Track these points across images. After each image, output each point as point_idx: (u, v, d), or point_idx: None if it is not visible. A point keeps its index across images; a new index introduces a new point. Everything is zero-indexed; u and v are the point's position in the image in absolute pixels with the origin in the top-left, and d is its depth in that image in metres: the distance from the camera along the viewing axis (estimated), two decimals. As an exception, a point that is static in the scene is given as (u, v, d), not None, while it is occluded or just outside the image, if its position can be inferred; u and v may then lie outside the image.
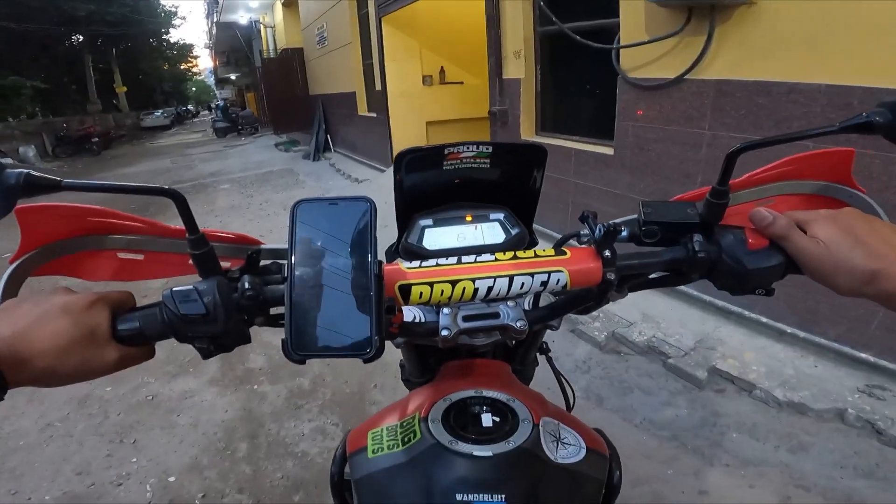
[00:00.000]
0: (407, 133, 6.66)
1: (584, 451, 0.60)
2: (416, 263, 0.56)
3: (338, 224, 0.48)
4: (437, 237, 0.76)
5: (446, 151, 0.71)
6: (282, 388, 2.37)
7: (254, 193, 6.95)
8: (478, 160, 0.73)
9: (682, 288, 2.61)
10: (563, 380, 1.01)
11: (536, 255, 0.56)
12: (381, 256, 0.50)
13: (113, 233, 0.59)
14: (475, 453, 0.54)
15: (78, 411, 2.27)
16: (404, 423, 0.62)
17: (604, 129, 3.04)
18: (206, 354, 0.51)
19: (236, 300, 0.50)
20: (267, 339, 2.87)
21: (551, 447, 0.58)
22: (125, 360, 0.48)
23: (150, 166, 8.76)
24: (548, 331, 0.83)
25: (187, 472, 1.87)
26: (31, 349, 0.42)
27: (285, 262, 0.52)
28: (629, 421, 1.94)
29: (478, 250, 0.66)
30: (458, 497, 0.52)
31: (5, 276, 0.51)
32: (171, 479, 1.83)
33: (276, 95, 11.30)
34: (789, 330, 2.23)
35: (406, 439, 0.59)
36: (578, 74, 3.38)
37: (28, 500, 1.76)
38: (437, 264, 0.56)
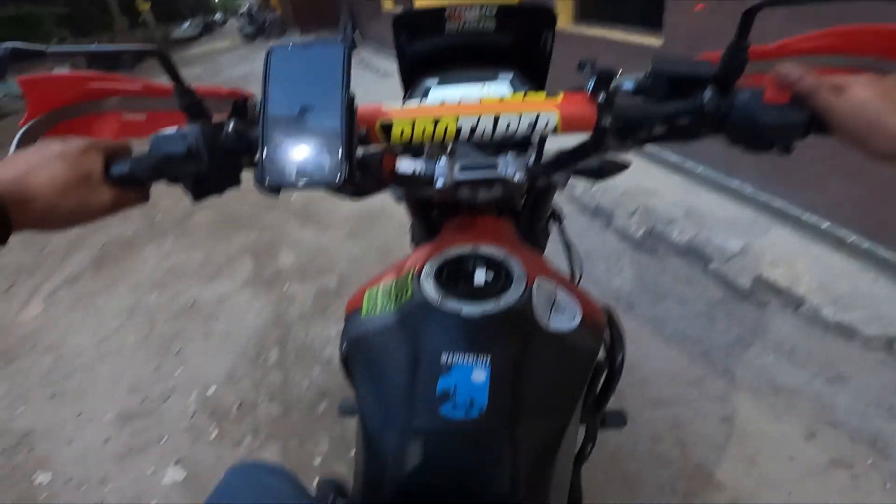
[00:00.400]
0: None
1: (578, 320, 0.58)
2: (398, 105, 0.56)
3: (312, 67, 0.49)
4: (440, 95, 0.72)
5: (447, 13, 0.70)
6: (310, 288, 2.42)
7: None
8: (482, 22, 0.72)
9: (735, 185, 2.34)
10: (571, 250, 0.97)
11: (526, 97, 0.55)
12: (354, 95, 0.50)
13: (111, 96, 0.63)
14: (463, 312, 0.53)
15: (128, 322, 2.39)
16: (399, 281, 0.61)
17: (652, 18, 2.55)
18: (196, 195, 0.54)
19: (221, 142, 0.52)
20: (296, 237, 2.92)
21: (543, 311, 0.56)
22: (120, 201, 0.52)
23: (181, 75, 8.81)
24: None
25: (224, 383, 1.97)
26: (32, 191, 0.45)
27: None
28: (659, 332, 1.86)
29: None
30: (444, 357, 0.51)
31: (16, 138, 0.57)
32: (211, 391, 1.93)
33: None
34: (851, 238, 2.01)
35: (398, 297, 0.58)
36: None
37: (90, 420, 1.89)
38: (421, 105, 0.55)
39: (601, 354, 0.62)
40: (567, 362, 0.55)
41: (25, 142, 0.57)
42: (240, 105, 0.56)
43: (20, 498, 1.62)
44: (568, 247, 0.97)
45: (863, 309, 1.78)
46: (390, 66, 7.15)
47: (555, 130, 0.54)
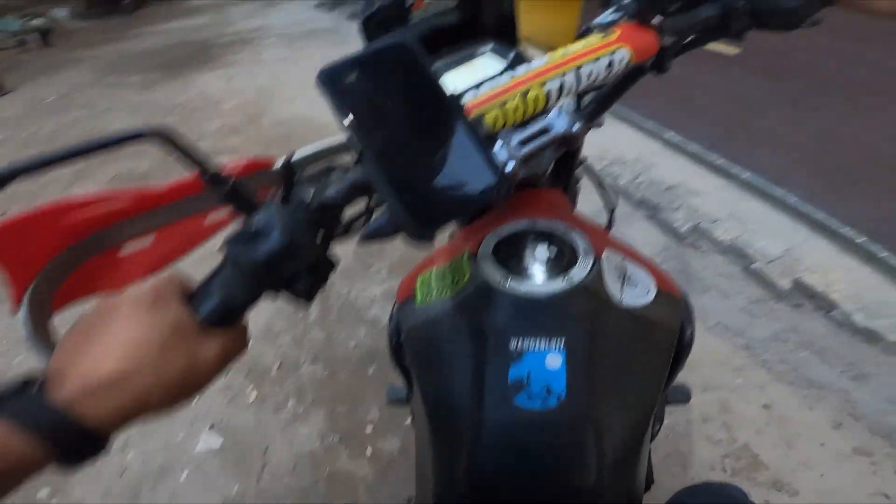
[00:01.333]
0: None
1: (653, 293, 0.54)
2: (470, 91, 0.49)
3: (382, 79, 0.40)
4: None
5: (408, 3, 0.67)
6: (349, 244, 2.43)
7: (304, 47, 6.51)
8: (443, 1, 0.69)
9: (779, 193, 2.48)
10: (604, 186, 0.93)
11: (587, 43, 0.52)
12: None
13: (119, 218, 0.45)
14: (529, 293, 0.49)
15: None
16: (453, 264, 0.57)
17: None
18: (308, 296, 0.43)
19: (304, 218, 0.40)
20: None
21: (615, 286, 0.52)
22: (226, 350, 0.39)
23: (184, 24, 8.44)
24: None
25: (262, 338, 1.92)
26: (119, 378, 0.32)
27: (322, 164, 0.48)
28: (703, 322, 2.02)
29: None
30: (514, 343, 0.47)
31: (26, 328, 0.41)
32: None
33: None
34: (883, 254, 2.18)
35: (455, 280, 0.54)
36: None
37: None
38: (495, 85, 0.49)
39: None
40: (647, 340, 0.52)
41: (38, 326, 0.42)
42: (289, 169, 0.45)
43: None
44: (600, 184, 0.93)
45: (888, 318, 1.96)
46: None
47: (628, 65, 0.52)
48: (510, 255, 0.54)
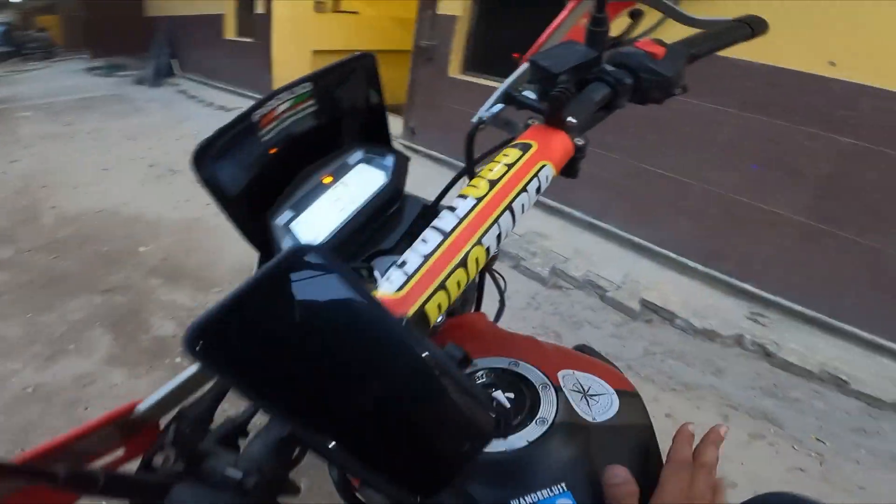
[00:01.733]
0: (290, 60, 6.12)
1: (616, 397, 0.52)
2: (391, 282, 0.37)
3: (281, 314, 0.29)
4: (310, 226, 0.57)
5: (255, 117, 0.54)
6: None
7: (75, 121, 5.57)
8: (300, 107, 0.58)
9: (605, 226, 2.92)
10: (502, 291, 0.88)
11: (509, 165, 0.44)
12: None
13: None
14: (511, 449, 0.45)
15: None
16: None
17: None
18: None
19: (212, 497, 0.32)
20: (169, 299, 2.41)
21: (583, 407, 0.49)
22: None
23: None
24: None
25: None
26: None
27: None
28: None
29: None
30: None
31: None
32: None
33: (97, 15, 10.03)
34: (692, 264, 2.71)
35: None
36: (517, 16, 3.29)
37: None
38: (423, 259, 0.38)
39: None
40: (631, 447, 0.50)
41: None
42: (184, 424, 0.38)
43: None
44: (500, 290, 0.90)
45: (714, 317, 2.41)
46: (226, 98, 6.53)
47: (551, 180, 0.47)
48: None
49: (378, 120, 0.65)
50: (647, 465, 0.50)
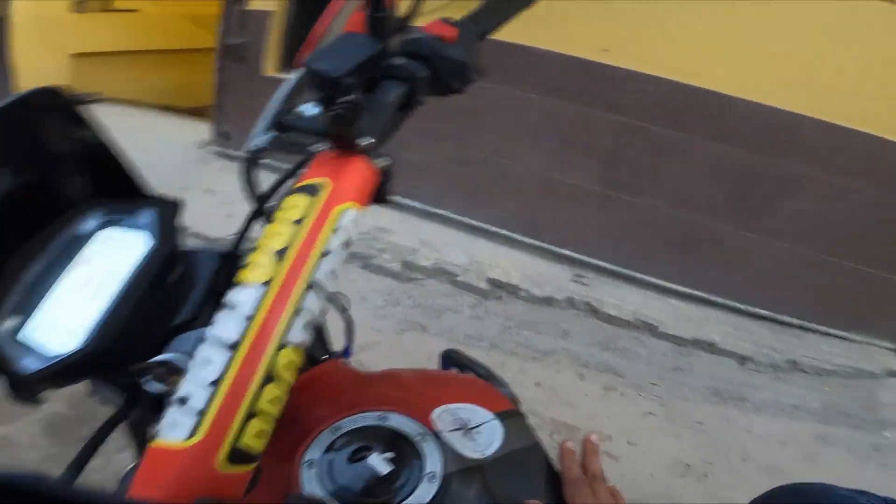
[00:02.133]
0: (42, 68, 4.85)
1: (498, 423, 0.49)
2: (177, 427, 0.30)
3: None
4: (53, 329, 0.42)
5: None
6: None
7: None
8: None
9: (442, 212, 3.05)
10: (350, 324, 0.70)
11: (298, 221, 0.35)
12: None
13: None
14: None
15: None
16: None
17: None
18: None
19: None
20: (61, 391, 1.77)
21: (469, 446, 0.46)
22: None
23: None
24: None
25: None
26: None
27: None
28: (455, 341, 2.29)
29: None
30: None
31: None
32: None
33: None
34: (520, 238, 3.01)
35: None
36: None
37: None
38: (212, 389, 0.30)
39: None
40: (530, 471, 0.49)
41: None
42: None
43: None
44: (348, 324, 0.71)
45: (549, 284, 2.72)
46: None
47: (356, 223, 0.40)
48: (344, 481, 0.42)
49: (111, 166, 0.48)
50: (551, 485, 0.49)
